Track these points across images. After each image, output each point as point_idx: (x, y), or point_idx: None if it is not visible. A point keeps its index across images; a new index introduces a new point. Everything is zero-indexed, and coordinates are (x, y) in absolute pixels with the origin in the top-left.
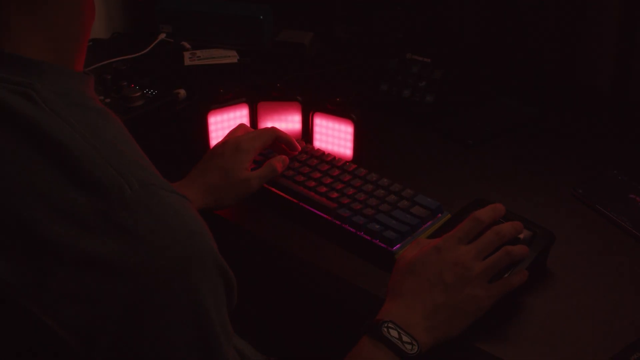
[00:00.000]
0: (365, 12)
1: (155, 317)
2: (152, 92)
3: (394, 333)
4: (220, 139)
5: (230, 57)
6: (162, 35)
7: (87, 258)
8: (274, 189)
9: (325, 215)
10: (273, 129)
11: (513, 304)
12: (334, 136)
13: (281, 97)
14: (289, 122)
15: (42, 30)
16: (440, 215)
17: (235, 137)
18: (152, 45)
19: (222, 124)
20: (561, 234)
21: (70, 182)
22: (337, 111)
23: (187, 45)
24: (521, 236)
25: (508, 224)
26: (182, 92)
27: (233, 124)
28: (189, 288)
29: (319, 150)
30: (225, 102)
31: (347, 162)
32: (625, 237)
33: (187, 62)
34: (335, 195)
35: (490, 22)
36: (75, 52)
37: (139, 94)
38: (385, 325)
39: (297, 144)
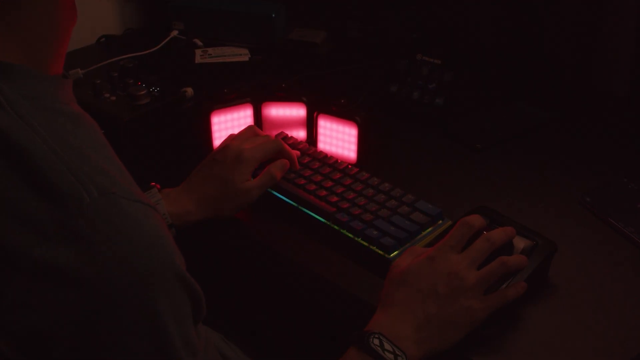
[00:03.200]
0: (379, 11)
1: (111, 328)
2: (157, 90)
3: (381, 345)
4: (223, 139)
5: (241, 55)
6: (175, 32)
7: (42, 266)
8: (273, 192)
9: (323, 220)
10: (278, 142)
11: (510, 315)
12: (338, 138)
13: (286, 98)
14: (293, 123)
15: (14, 33)
16: (441, 221)
17: (237, 144)
18: (163, 43)
19: (225, 124)
20: (565, 243)
21: (28, 188)
22: (341, 113)
23: (199, 43)
24: (522, 245)
25: (499, 230)
26: (190, 91)
27: (237, 124)
28: (146, 301)
29: (321, 152)
30: (228, 102)
31: (349, 165)
32: (632, 249)
33: (198, 59)
34: (335, 199)
35: (504, 24)
36: (50, 55)
37: (144, 91)
38: (374, 336)
39: (297, 163)
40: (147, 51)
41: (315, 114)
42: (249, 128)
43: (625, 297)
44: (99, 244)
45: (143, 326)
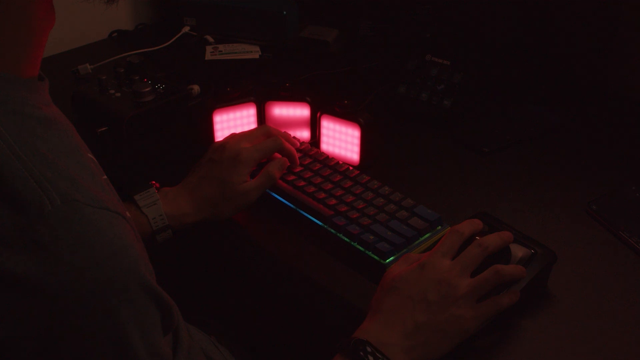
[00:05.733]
0: (392, 10)
1: (72, 338)
2: (162, 87)
3: (367, 353)
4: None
5: (252, 52)
6: (186, 28)
7: (3, 274)
8: (271, 193)
9: (321, 223)
10: (277, 140)
11: (505, 326)
12: (341, 139)
13: (290, 97)
14: (297, 123)
15: None
16: (440, 227)
17: (236, 143)
18: (174, 39)
19: (228, 123)
20: (568, 253)
21: None
22: (344, 114)
23: (211, 39)
24: (520, 254)
25: (493, 235)
26: (196, 88)
27: (239, 123)
28: (108, 310)
29: (323, 154)
30: (231, 100)
31: (349, 167)
32: (637, 260)
33: (208, 56)
34: (333, 202)
35: (518, 24)
36: (23, 58)
37: (149, 88)
38: (361, 344)
39: (298, 160)
40: (157, 47)
41: (318, 115)
42: (261, 127)
43: (627, 310)
44: (59, 252)
45: (105, 336)
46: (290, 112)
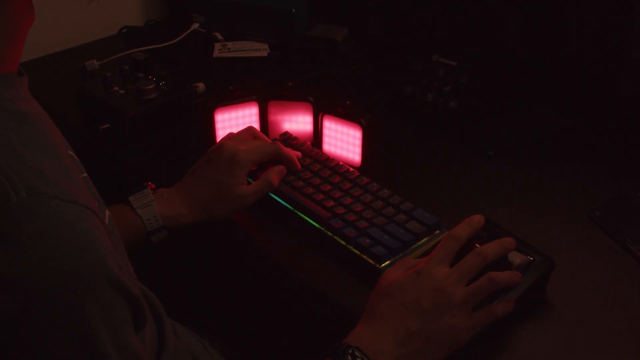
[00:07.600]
0: (403, 9)
1: (35, 331)
2: (166, 85)
3: (357, 359)
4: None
5: (260, 50)
6: (195, 25)
7: None
8: (269, 193)
9: (317, 225)
10: (275, 145)
11: (500, 335)
12: (343, 140)
13: (292, 97)
14: (299, 123)
15: None
16: (438, 231)
17: (233, 145)
18: (182, 35)
19: (229, 122)
20: (568, 260)
21: None
22: (346, 115)
23: (220, 37)
24: (517, 261)
25: (493, 243)
26: (202, 86)
27: (241, 123)
28: (73, 304)
29: (324, 155)
30: (233, 99)
31: (350, 168)
32: (638, 268)
33: (216, 53)
34: (331, 204)
35: (527, 25)
36: (0, 54)
37: (152, 86)
38: (350, 350)
39: (298, 163)
40: (165, 44)
41: (320, 115)
42: (247, 129)
43: (625, 321)
44: (23, 244)
45: (69, 330)
46: (293, 112)
